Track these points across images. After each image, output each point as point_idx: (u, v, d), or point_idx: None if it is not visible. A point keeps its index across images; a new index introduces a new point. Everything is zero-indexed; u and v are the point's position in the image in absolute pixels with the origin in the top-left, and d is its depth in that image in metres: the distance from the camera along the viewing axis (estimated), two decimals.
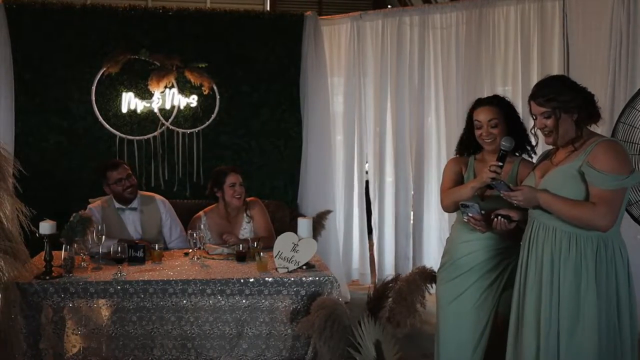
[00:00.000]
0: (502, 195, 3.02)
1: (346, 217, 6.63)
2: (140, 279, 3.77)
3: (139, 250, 4.17)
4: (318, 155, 6.19)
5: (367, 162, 6.83)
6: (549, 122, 2.95)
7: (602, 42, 4.75)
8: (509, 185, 3.01)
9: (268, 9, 10.55)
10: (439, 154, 6.36)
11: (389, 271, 6.40)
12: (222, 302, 3.83)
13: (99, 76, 5.76)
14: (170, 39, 5.88)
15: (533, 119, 3.06)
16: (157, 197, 4.97)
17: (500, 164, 3.12)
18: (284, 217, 5.58)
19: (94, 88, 5.76)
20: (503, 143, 3.17)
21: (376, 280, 6.44)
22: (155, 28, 5.86)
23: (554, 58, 5.59)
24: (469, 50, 5.99)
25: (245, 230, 4.82)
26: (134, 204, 4.76)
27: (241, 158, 5.99)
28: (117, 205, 4.74)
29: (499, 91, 5.79)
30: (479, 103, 3.42)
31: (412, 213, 6.53)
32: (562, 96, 2.91)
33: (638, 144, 3.70)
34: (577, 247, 2.87)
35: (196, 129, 5.96)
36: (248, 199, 4.92)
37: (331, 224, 6.09)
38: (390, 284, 3.95)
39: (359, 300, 5.63)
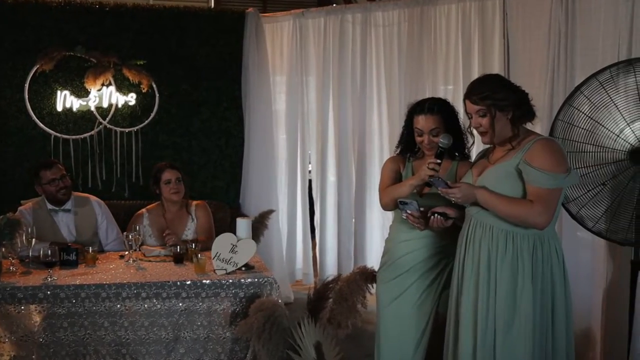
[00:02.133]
0: (440, 192, 3.00)
1: (289, 216, 6.57)
2: (72, 283, 3.63)
3: (71, 254, 4.02)
4: (260, 154, 6.11)
5: (309, 162, 6.78)
6: (484, 120, 2.94)
7: (541, 41, 4.80)
8: (446, 182, 2.99)
9: (212, 5, 10.40)
10: (381, 152, 6.31)
11: (331, 271, 6.34)
12: (158, 305, 3.71)
13: (32, 73, 5.55)
14: (107, 36, 5.70)
15: (468, 118, 3.05)
16: (93, 198, 4.82)
17: (439, 161, 3.09)
18: (225, 218, 5.47)
19: (27, 85, 5.55)
20: (441, 140, 3.14)
21: (317, 280, 6.40)
22: (91, 24, 5.68)
23: (494, 56, 5.61)
24: (410, 48, 5.96)
25: (190, 230, 4.72)
26: (68, 205, 4.60)
27: (181, 157, 5.86)
28: (50, 206, 4.58)
29: (441, 90, 5.79)
30: (420, 110, 3.32)
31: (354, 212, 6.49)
32: (497, 94, 2.90)
33: (576, 141, 3.75)
34: (514, 245, 2.88)
35: (135, 128, 5.80)
36: (195, 202, 4.82)
37: (274, 224, 6.00)
38: (331, 285, 3.91)
39: (302, 300, 5.54)
